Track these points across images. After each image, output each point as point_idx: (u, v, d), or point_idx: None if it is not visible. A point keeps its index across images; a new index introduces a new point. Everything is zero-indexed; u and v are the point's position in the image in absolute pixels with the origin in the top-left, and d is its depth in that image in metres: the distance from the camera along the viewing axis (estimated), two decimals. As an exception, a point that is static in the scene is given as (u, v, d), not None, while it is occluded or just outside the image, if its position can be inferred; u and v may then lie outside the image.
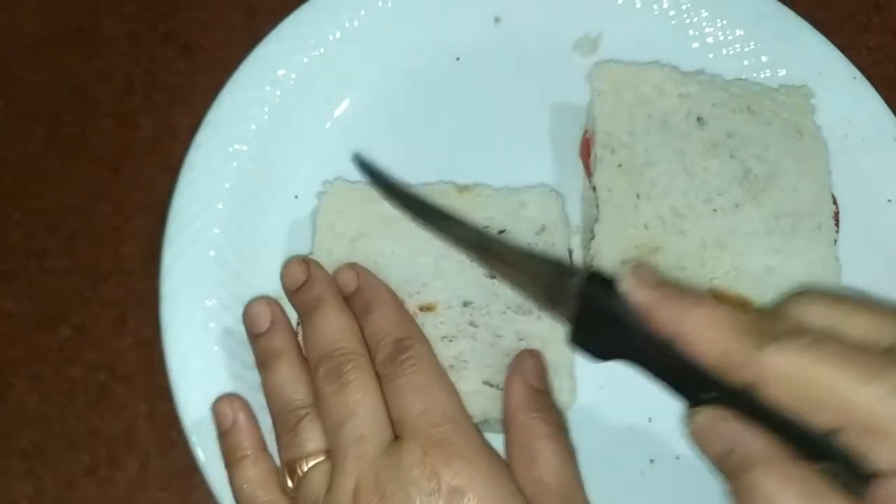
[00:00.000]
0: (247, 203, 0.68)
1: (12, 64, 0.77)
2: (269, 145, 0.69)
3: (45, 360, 0.68)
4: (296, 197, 0.70)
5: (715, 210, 0.65)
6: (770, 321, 0.46)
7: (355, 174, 0.68)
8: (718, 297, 0.62)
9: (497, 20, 0.77)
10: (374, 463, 0.52)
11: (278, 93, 0.70)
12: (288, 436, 0.56)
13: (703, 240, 0.64)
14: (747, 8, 0.76)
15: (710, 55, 0.76)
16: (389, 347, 0.57)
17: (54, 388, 0.67)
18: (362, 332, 0.59)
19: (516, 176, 0.69)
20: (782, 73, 0.74)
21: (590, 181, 0.68)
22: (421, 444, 0.52)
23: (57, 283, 0.70)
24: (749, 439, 0.45)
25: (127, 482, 0.65)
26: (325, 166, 0.69)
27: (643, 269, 0.50)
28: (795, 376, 0.43)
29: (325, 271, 0.62)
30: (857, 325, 0.45)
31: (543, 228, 0.66)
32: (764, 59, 0.75)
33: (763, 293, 0.62)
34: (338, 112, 0.73)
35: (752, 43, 0.75)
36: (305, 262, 0.61)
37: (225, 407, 0.60)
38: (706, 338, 0.46)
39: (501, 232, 0.65)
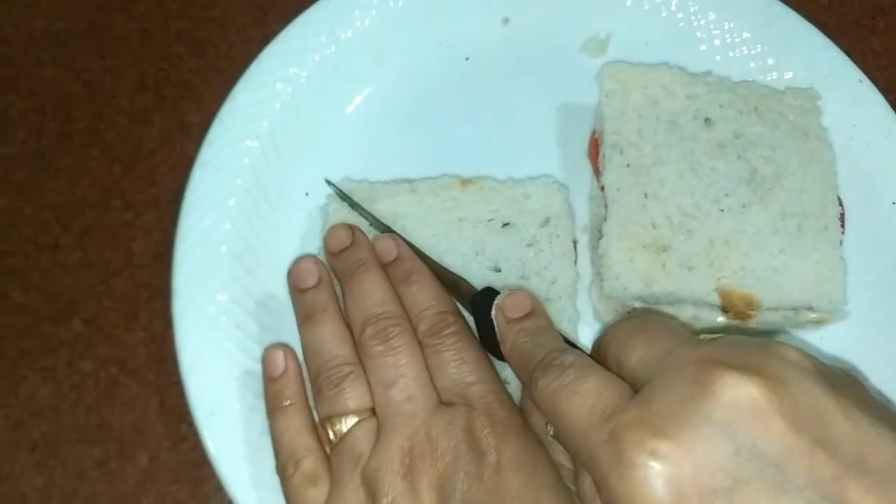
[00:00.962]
0: (258, 199, 0.67)
1: (24, 60, 0.77)
2: (280, 142, 0.69)
3: (58, 353, 0.68)
4: (306, 194, 0.69)
5: (722, 210, 0.64)
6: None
7: (363, 172, 0.68)
8: (726, 297, 0.62)
9: (506, 21, 0.77)
10: (425, 421, 0.53)
11: (290, 90, 0.70)
12: (331, 392, 0.56)
13: (710, 239, 0.63)
14: (755, 11, 0.76)
15: (718, 57, 0.75)
16: (432, 319, 0.58)
17: (66, 381, 0.67)
18: (401, 297, 0.60)
19: (523, 174, 0.69)
20: (789, 75, 0.74)
21: (598, 181, 0.68)
22: (471, 411, 0.53)
23: (69, 278, 0.70)
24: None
25: (137, 475, 0.65)
26: (336, 163, 0.69)
27: (509, 298, 0.57)
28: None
29: (366, 236, 0.63)
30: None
31: (547, 220, 0.65)
32: (770, 61, 0.74)
33: (769, 293, 0.62)
34: (349, 109, 0.73)
35: (759, 46, 0.75)
36: (350, 227, 0.63)
37: (277, 354, 0.60)
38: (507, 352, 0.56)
39: (506, 225, 0.65)
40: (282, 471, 0.57)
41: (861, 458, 0.40)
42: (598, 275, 0.65)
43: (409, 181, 0.68)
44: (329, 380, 0.57)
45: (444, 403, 0.55)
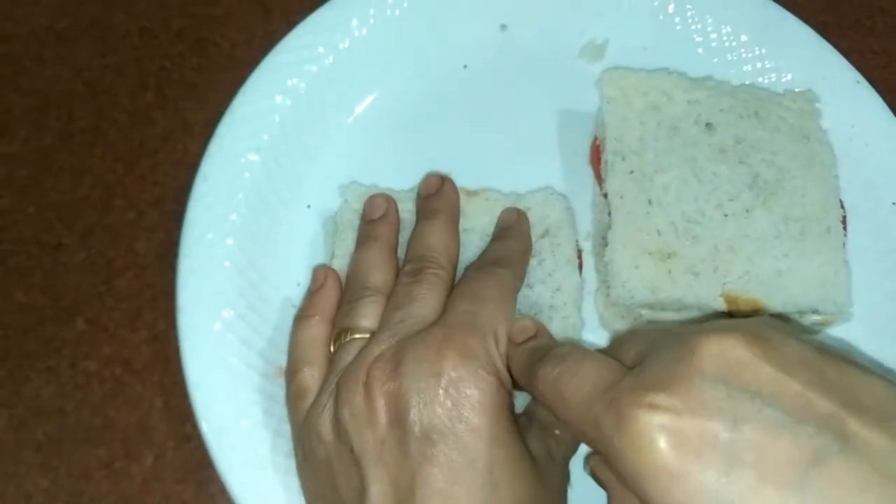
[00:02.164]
0: (260, 213, 0.66)
1: (26, 58, 0.75)
2: (281, 155, 0.68)
3: (61, 353, 0.66)
4: (308, 206, 0.68)
5: (726, 215, 0.63)
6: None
7: (368, 178, 0.67)
8: (732, 302, 0.61)
9: (503, 27, 0.75)
10: (401, 341, 0.53)
11: (289, 102, 0.68)
12: (348, 307, 0.58)
13: (714, 245, 0.63)
14: (751, 14, 0.75)
15: (715, 60, 0.74)
16: (487, 259, 0.60)
17: (70, 381, 0.65)
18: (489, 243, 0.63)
19: (525, 182, 0.68)
20: (786, 78, 0.73)
21: (601, 188, 0.67)
22: (445, 332, 0.52)
23: (72, 277, 0.68)
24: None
25: (142, 475, 0.63)
26: (337, 175, 0.68)
27: (517, 326, 0.56)
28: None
29: (456, 191, 0.65)
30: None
31: (547, 231, 0.64)
32: (768, 64, 0.74)
33: (774, 297, 0.62)
34: (349, 120, 0.71)
35: (756, 48, 0.74)
36: (442, 178, 0.65)
37: (321, 272, 0.62)
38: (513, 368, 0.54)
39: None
40: (285, 378, 0.59)
41: (856, 398, 0.41)
42: (604, 282, 0.65)
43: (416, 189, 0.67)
44: (352, 296, 0.58)
45: (433, 324, 0.55)
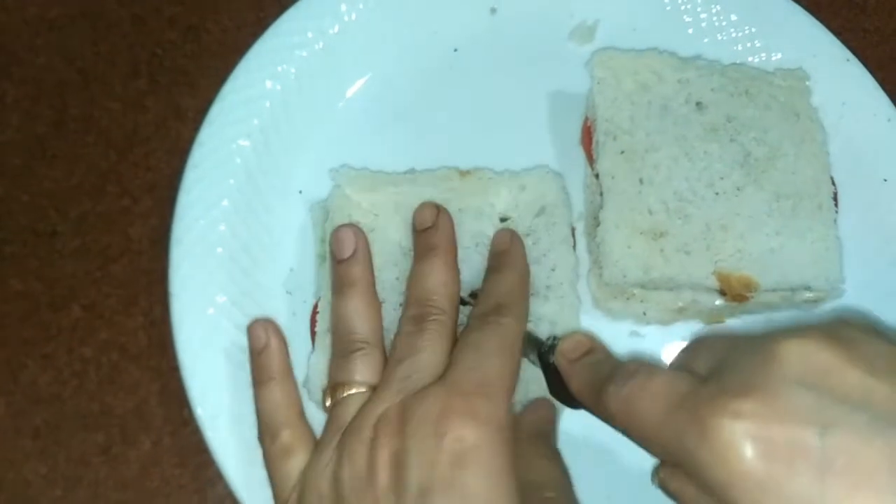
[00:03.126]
0: (252, 199, 0.65)
1: (18, 47, 0.74)
2: (271, 140, 0.67)
3: (57, 340, 0.65)
4: (300, 192, 0.67)
5: (717, 193, 0.63)
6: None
7: (360, 163, 0.67)
8: (724, 280, 0.61)
9: (493, 10, 0.74)
10: (406, 399, 0.51)
11: (279, 88, 0.67)
12: (341, 360, 0.56)
13: (706, 223, 0.62)
14: (741, -7, 0.74)
15: (705, 40, 0.73)
16: (489, 306, 0.56)
17: (67, 367, 0.65)
18: (484, 280, 0.60)
19: (517, 165, 0.67)
20: (776, 56, 0.72)
21: (592, 169, 0.66)
22: (448, 391, 0.50)
23: (67, 264, 0.67)
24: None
25: (140, 460, 0.63)
26: (328, 161, 0.67)
27: (566, 342, 0.56)
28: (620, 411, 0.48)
29: (452, 222, 0.62)
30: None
31: (543, 209, 0.64)
32: (758, 43, 0.73)
33: (767, 274, 0.61)
34: (339, 105, 0.70)
35: (746, 28, 0.73)
36: (437, 208, 0.62)
37: (259, 330, 0.60)
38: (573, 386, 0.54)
39: (504, 220, 0.63)
40: (261, 442, 0.57)
41: None
42: (596, 262, 0.64)
43: (409, 172, 0.66)
44: (342, 351, 0.56)
45: (438, 382, 0.52)
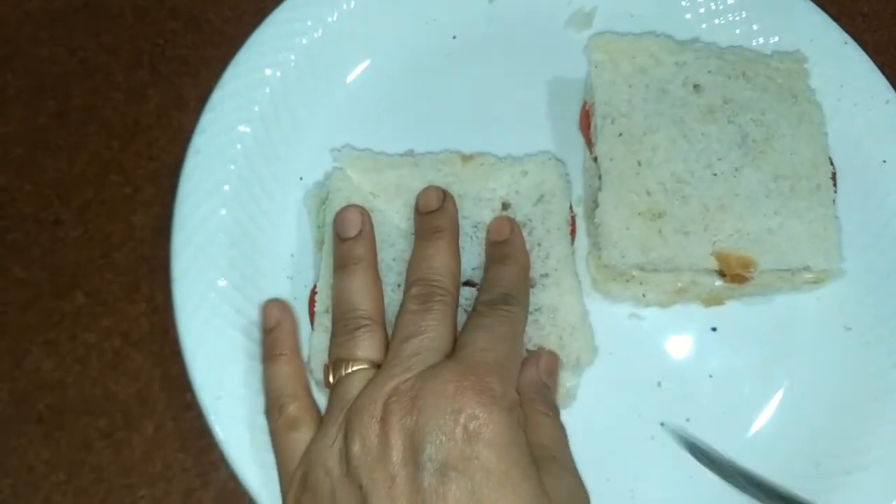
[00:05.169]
0: (252, 185, 0.64)
1: (21, 39, 0.73)
2: (272, 126, 0.66)
3: (60, 326, 0.65)
4: (300, 178, 0.66)
5: (715, 174, 0.62)
6: None
7: (360, 145, 0.66)
8: (723, 260, 0.60)
9: (491, -2, 0.73)
10: (418, 375, 0.50)
11: (279, 74, 0.67)
12: (344, 337, 0.55)
13: (705, 204, 0.61)
14: (738, -23, 0.73)
15: (703, 25, 0.72)
16: (497, 294, 0.56)
17: (70, 354, 0.64)
18: (486, 272, 0.60)
19: (517, 150, 0.66)
20: (774, 40, 0.71)
21: (591, 152, 0.65)
22: (463, 370, 0.50)
23: (70, 252, 0.67)
24: None
25: (143, 445, 0.62)
26: (328, 147, 0.66)
27: None
28: None
29: (456, 207, 0.61)
30: None
31: (542, 197, 0.63)
32: (755, 27, 0.72)
33: (766, 254, 0.60)
34: (338, 92, 0.70)
35: (743, 12, 0.72)
36: (443, 192, 0.61)
37: (273, 308, 0.60)
38: None
39: (506, 206, 0.63)
40: (268, 415, 0.56)
41: None
42: (595, 245, 0.63)
43: (411, 154, 0.65)
44: (344, 327, 0.56)
45: (449, 359, 0.52)
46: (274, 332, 0.59)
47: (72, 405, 0.63)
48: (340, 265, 0.59)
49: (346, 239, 0.59)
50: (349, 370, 0.54)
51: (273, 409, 0.56)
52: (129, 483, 0.62)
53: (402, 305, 0.56)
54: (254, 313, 0.61)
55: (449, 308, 0.55)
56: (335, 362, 0.55)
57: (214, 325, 0.59)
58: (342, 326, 0.56)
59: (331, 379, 0.54)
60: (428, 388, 0.49)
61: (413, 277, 0.57)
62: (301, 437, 0.54)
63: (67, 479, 0.62)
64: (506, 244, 0.60)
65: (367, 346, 0.55)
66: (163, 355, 0.64)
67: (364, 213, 0.60)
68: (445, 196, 0.61)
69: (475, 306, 0.56)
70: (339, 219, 0.60)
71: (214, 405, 0.58)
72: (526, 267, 0.60)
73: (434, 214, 0.60)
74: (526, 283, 0.59)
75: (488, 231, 0.62)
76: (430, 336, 0.53)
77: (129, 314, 0.66)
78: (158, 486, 0.62)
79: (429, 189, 0.62)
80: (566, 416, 0.56)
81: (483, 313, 0.55)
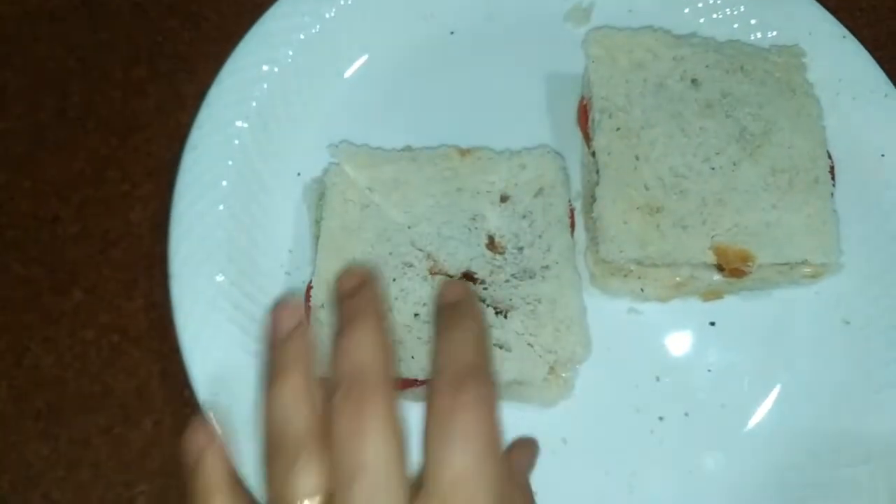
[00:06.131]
0: (250, 180, 0.64)
1: (20, 37, 0.73)
2: (269, 122, 0.66)
3: (59, 323, 0.65)
4: (298, 174, 0.66)
5: (713, 168, 0.62)
6: None
7: (358, 141, 0.66)
8: (721, 254, 0.60)
9: (488, -7, 0.73)
10: None
11: (276, 70, 0.67)
12: (281, 473, 0.43)
13: (703, 198, 0.61)
14: (737, -27, 0.72)
15: (701, 20, 0.72)
16: (458, 369, 0.44)
17: (68, 350, 0.64)
18: (436, 343, 0.46)
19: (516, 145, 0.66)
20: (772, 34, 0.71)
21: (588, 146, 0.65)
22: None
23: (69, 249, 0.67)
24: None
25: (142, 440, 0.62)
26: (326, 142, 0.66)
27: None
28: None
29: (379, 286, 0.48)
30: None
31: (541, 190, 0.63)
32: (753, 21, 0.71)
33: (764, 248, 0.60)
34: (336, 87, 0.69)
35: (741, 6, 0.72)
36: (363, 271, 0.48)
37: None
38: None
39: (505, 199, 0.62)
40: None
41: None
42: (593, 240, 0.63)
43: (409, 150, 0.65)
44: (278, 461, 0.43)
45: (420, 489, 0.41)
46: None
47: (70, 401, 0.63)
48: (269, 376, 0.46)
49: (275, 343, 0.47)
50: None
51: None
52: (128, 479, 0.61)
53: (332, 415, 0.43)
54: (251, 308, 0.60)
55: (390, 410, 0.42)
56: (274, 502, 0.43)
57: (212, 321, 0.59)
58: (275, 452, 0.44)
59: None
60: None
61: (337, 376, 0.44)
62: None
63: (66, 475, 0.61)
64: (459, 305, 0.48)
65: (309, 483, 0.42)
66: (161, 351, 0.64)
67: (295, 310, 0.48)
68: (366, 275, 0.48)
69: (432, 391, 0.43)
70: (273, 317, 0.48)
71: (213, 402, 0.57)
72: (486, 330, 0.51)
73: (351, 300, 0.47)
74: (490, 348, 0.48)
75: (436, 296, 0.49)
76: (378, 470, 0.41)
77: (128, 310, 0.65)
78: (157, 481, 0.61)
79: (347, 271, 0.49)
80: (565, 409, 0.56)
81: (448, 409, 0.42)
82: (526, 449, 0.52)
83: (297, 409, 0.44)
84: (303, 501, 0.41)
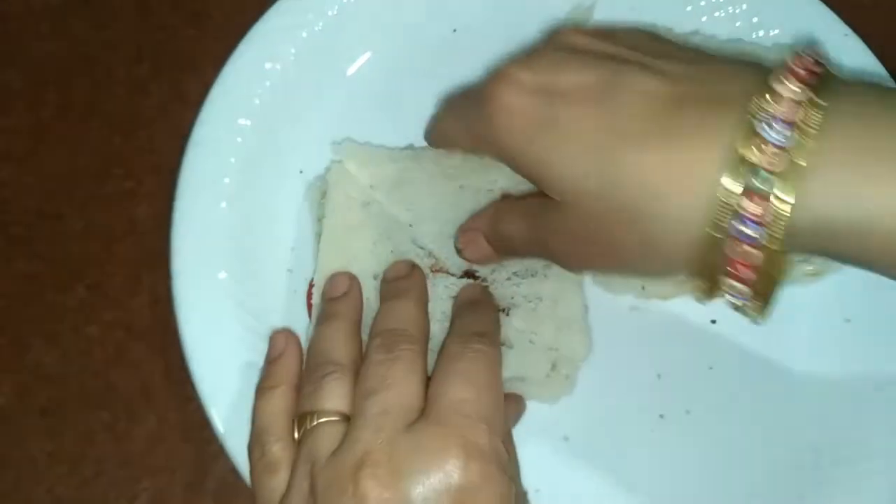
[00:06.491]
0: (253, 178, 0.64)
1: (23, 34, 0.73)
2: (272, 120, 0.66)
3: (63, 319, 0.65)
4: (300, 171, 0.66)
5: (715, 165, 0.62)
6: None
7: (360, 138, 0.66)
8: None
9: (492, -9, 0.73)
10: (391, 439, 0.45)
11: (279, 68, 0.66)
12: (311, 386, 0.50)
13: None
14: (738, -30, 0.72)
15: (703, 18, 0.72)
16: (467, 332, 0.51)
17: (72, 347, 0.64)
18: (454, 318, 0.56)
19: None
20: (775, 32, 0.70)
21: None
22: (444, 432, 0.45)
23: (72, 246, 0.67)
24: None
25: (145, 437, 0.62)
26: (329, 140, 0.66)
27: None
28: None
29: (424, 279, 0.58)
30: None
31: None
32: (755, 19, 0.71)
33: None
34: (339, 85, 0.69)
35: (744, 4, 0.71)
36: (412, 264, 0.59)
37: (279, 339, 0.57)
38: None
39: (505, 196, 0.62)
40: (249, 452, 0.52)
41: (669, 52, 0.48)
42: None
43: (412, 148, 0.65)
44: (313, 374, 0.51)
45: (424, 416, 0.47)
46: (276, 362, 0.55)
47: (74, 398, 0.63)
48: (320, 321, 0.55)
49: (332, 298, 0.56)
50: (314, 423, 0.48)
51: (255, 445, 0.52)
52: (132, 475, 0.62)
53: (364, 357, 0.51)
54: (254, 306, 0.61)
55: (417, 354, 0.50)
56: (300, 416, 0.50)
57: (214, 318, 0.59)
58: (310, 375, 0.51)
59: (296, 435, 0.50)
60: (408, 456, 0.44)
61: (376, 331, 0.52)
62: (278, 483, 0.49)
63: (70, 472, 0.62)
64: (478, 302, 0.57)
65: (334, 396, 0.49)
66: (165, 348, 0.64)
67: (353, 280, 0.58)
68: (414, 267, 0.58)
69: (443, 347, 0.51)
70: (328, 283, 0.57)
71: (215, 400, 0.58)
72: (497, 312, 0.57)
73: (401, 280, 0.56)
74: (498, 324, 0.56)
75: (459, 296, 0.58)
76: (397, 390, 0.47)
77: (132, 307, 0.65)
78: (160, 477, 0.62)
79: (398, 262, 0.59)
80: (566, 406, 0.56)
81: (456, 355, 0.49)
82: (513, 402, 0.56)
83: (341, 343, 0.52)
84: (324, 413, 0.49)
